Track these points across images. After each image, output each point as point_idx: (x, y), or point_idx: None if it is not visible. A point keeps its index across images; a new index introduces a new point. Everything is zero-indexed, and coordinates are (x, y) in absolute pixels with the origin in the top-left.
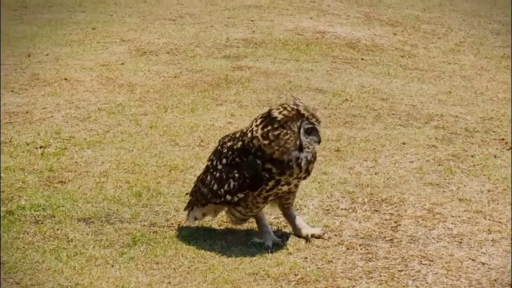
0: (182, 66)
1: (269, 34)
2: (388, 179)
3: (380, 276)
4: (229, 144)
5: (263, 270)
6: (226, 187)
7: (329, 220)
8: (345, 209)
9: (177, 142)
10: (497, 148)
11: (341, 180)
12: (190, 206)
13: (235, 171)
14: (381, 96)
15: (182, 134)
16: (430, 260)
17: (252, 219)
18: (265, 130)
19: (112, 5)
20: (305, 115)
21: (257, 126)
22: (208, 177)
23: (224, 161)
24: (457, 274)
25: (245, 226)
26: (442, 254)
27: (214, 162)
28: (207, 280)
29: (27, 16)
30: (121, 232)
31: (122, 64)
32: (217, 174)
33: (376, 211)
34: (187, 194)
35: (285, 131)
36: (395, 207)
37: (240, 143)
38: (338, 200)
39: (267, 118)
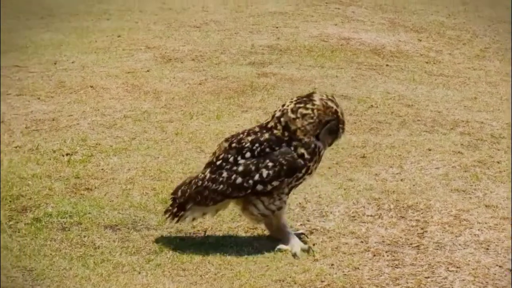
0: (207, 73)
1: (294, 40)
2: (414, 185)
3: (407, 282)
4: (250, 138)
5: (290, 277)
6: (257, 177)
7: (355, 227)
8: (371, 215)
9: (202, 149)
10: None
11: (367, 187)
12: (184, 208)
13: (267, 161)
14: (406, 102)
15: (208, 141)
16: (457, 267)
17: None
18: (296, 106)
19: (137, 13)
20: (340, 118)
21: (291, 102)
22: (225, 174)
23: (248, 154)
24: (484, 281)
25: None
26: (469, 260)
27: (231, 159)
28: (234, 287)
29: (53, 24)
30: (147, 239)
31: (148, 71)
32: (240, 168)
33: (402, 217)
34: (174, 198)
35: (312, 115)
36: (421, 213)
37: (267, 135)
38: (364, 207)
39: (306, 98)
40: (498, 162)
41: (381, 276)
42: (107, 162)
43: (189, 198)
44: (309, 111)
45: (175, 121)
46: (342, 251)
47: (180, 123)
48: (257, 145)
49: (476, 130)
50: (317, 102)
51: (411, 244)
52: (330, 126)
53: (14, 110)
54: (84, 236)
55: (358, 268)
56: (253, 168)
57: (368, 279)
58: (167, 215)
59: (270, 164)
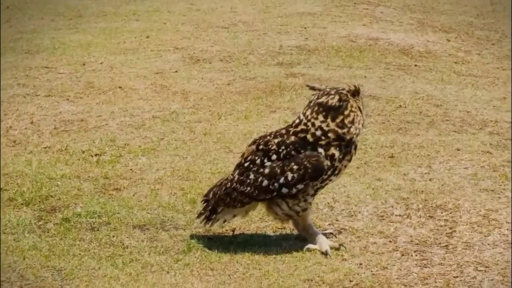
0: (235, 73)
1: (322, 41)
2: (442, 185)
3: (436, 282)
4: (276, 141)
5: (318, 276)
6: (282, 180)
7: (384, 226)
8: (399, 215)
9: (231, 149)
10: None
11: (395, 187)
12: (216, 211)
13: (293, 164)
14: (435, 102)
15: (236, 141)
16: (486, 267)
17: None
18: (338, 120)
19: (165, 14)
20: (359, 90)
21: (324, 118)
22: (252, 176)
23: (274, 156)
24: None
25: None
26: (498, 260)
27: (258, 161)
28: (262, 286)
29: (81, 26)
30: (176, 238)
31: (176, 72)
32: (266, 170)
33: (431, 217)
34: (205, 200)
35: (354, 113)
36: (450, 213)
37: (293, 137)
38: (392, 206)
39: (329, 109)
40: None
41: (409, 275)
42: (136, 162)
43: (219, 200)
44: (352, 115)
45: (204, 121)
46: (371, 251)
47: (208, 123)
48: (283, 147)
49: (505, 130)
50: (340, 103)
51: (439, 243)
52: (362, 103)
53: (43, 111)
54: (113, 236)
55: (387, 268)
56: (278, 170)
57: (397, 278)
58: (201, 219)
59: (295, 167)
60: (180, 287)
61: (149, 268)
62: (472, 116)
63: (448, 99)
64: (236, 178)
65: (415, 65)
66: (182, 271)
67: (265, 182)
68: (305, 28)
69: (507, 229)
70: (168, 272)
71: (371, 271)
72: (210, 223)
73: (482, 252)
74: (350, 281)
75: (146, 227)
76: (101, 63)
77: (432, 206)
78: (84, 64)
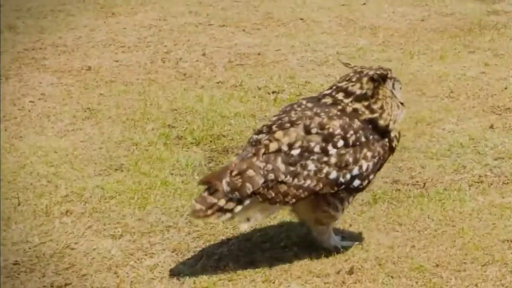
0: (430, 8)
1: None
2: None
3: None
4: (336, 123)
5: None
6: (356, 171)
7: None
8: None
9: (424, 92)
10: None
11: None
12: (241, 203)
13: (366, 150)
14: None
15: (430, 84)
16: None
17: None
18: (366, 104)
19: None
20: (388, 75)
21: (350, 101)
22: (312, 166)
23: (341, 143)
24: None
25: None
26: None
27: (317, 148)
28: (456, 245)
29: None
30: None
31: (364, 4)
32: (333, 160)
33: None
34: (213, 190)
35: (384, 101)
36: None
37: (357, 121)
38: None
39: (352, 95)
40: None
41: None
42: None
43: (251, 195)
44: (380, 102)
45: (394, 60)
46: None
47: (399, 62)
48: (351, 132)
49: None
50: (364, 91)
51: None
52: (394, 87)
53: (216, 42)
54: None
55: None
56: (350, 159)
57: None
58: (211, 211)
59: (369, 154)
60: (364, 241)
61: None
62: None
63: None
64: (282, 169)
65: None
66: (367, 225)
67: (334, 174)
68: None
69: None
70: (351, 225)
71: None
72: (224, 216)
73: None
74: None
75: None
76: None
77: None
78: None
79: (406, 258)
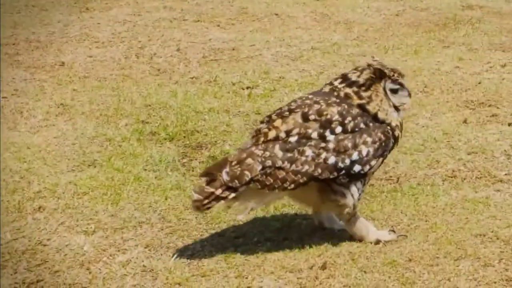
0: (405, 3)
1: None
2: None
3: None
4: (334, 109)
5: (492, 232)
6: (355, 155)
7: None
8: None
9: None
10: None
11: None
12: (237, 191)
13: (365, 135)
14: None
15: (405, 78)
16: None
17: None
18: (355, 90)
19: None
20: (386, 73)
21: (343, 86)
22: (309, 152)
23: (339, 129)
24: None
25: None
26: None
27: (314, 134)
28: (429, 240)
29: None
30: None
31: None
32: (331, 145)
33: None
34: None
35: (374, 93)
36: None
37: (356, 108)
38: None
39: (347, 81)
40: None
41: None
42: (292, 97)
43: (250, 182)
44: (369, 92)
45: (368, 54)
46: None
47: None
48: (349, 118)
49: None
50: (361, 79)
51: None
52: (389, 89)
53: (191, 38)
54: None
55: None
56: (350, 144)
57: None
58: (207, 201)
59: (369, 139)
60: (337, 237)
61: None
62: None
63: None
64: (280, 156)
65: None
66: None
67: (333, 159)
68: None
69: None
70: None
71: None
72: (221, 204)
73: None
74: None
75: None
76: None
77: None
78: None
79: (379, 253)
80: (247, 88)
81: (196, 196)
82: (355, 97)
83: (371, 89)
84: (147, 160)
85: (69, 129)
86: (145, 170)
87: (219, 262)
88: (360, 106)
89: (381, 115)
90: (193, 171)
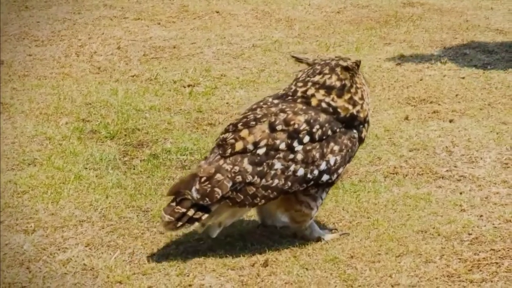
0: (346, 0)
1: None
2: None
3: None
4: (302, 118)
5: (433, 228)
6: (323, 166)
7: (508, 175)
8: None
9: None
10: None
11: None
12: (208, 211)
13: (332, 144)
14: None
15: None
16: None
17: None
18: (346, 97)
19: None
20: (355, 67)
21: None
22: (279, 165)
23: (306, 138)
24: None
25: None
26: None
27: (283, 145)
28: (370, 236)
29: None
30: None
31: None
32: (299, 156)
33: None
34: (181, 199)
35: (362, 88)
36: None
37: (323, 115)
38: None
39: (332, 89)
40: None
41: None
42: (233, 95)
43: (221, 199)
44: (359, 91)
45: (310, 52)
46: (493, 202)
47: (315, 54)
48: (317, 127)
49: None
50: (342, 83)
51: None
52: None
53: (131, 36)
54: None
55: (510, 221)
56: (317, 155)
57: None
58: (180, 223)
59: (336, 148)
60: (279, 234)
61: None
62: None
63: None
64: (249, 170)
65: None
66: None
67: (301, 171)
68: None
69: None
70: None
71: (493, 224)
72: (194, 226)
73: None
74: (469, 234)
75: None
76: None
77: None
78: None
79: (320, 250)
80: (188, 86)
81: (167, 218)
82: (350, 108)
83: (358, 86)
84: (87, 158)
85: (9, 128)
86: (86, 168)
87: (160, 260)
88: (351, 115)
89: (369, 115)
90: (134, 169)
